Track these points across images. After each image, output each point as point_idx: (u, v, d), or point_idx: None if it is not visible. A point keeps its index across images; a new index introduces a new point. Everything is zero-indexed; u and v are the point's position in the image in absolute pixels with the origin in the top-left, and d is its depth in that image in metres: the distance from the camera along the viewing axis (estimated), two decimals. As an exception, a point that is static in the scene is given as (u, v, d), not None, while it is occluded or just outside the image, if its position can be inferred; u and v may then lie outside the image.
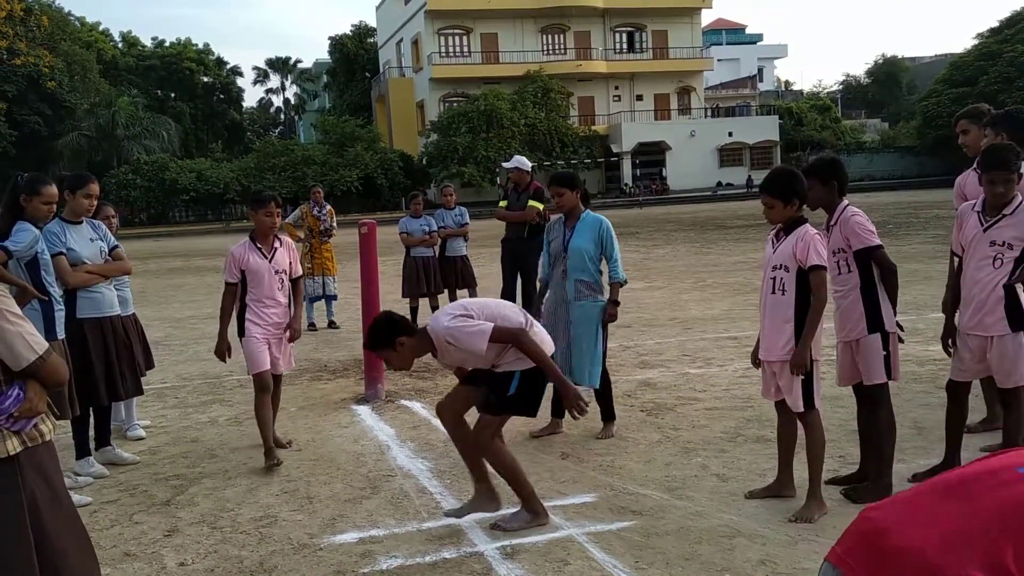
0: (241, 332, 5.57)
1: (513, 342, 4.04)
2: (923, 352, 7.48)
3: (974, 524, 1.52)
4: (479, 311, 4.11)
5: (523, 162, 9.34)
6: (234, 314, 5.62)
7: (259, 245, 5.59)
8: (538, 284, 6.31)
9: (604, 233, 5.76)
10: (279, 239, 5.73)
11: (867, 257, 4.38)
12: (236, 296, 5.58)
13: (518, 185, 9.30)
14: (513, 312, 4.21)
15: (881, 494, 4.45)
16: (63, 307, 4.98)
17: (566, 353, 5.76)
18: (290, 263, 5.77)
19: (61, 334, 4.90)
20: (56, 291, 4.91)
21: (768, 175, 4.45)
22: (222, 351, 5.68)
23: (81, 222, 5.38)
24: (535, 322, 4.29)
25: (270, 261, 5.58)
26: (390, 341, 4.09)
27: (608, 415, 5.87)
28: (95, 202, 5.46)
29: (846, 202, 4.49)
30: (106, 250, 5.49)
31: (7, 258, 4.66)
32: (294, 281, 5.82)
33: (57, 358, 2.73)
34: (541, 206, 9.01)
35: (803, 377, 4.20)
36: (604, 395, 5.86)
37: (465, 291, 10.56)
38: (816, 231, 4.28)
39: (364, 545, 4.17)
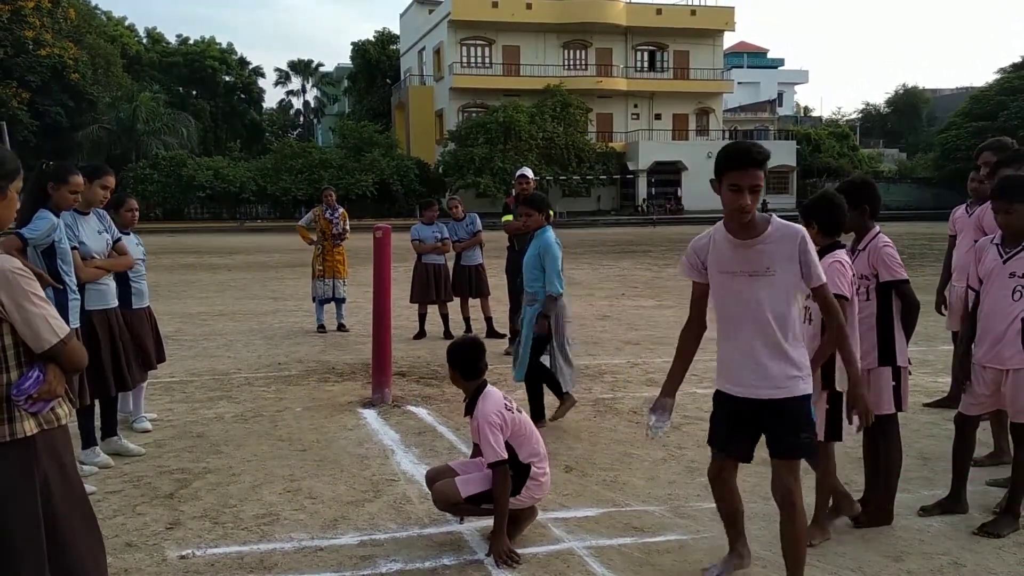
0: None
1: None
2: (932, 383, 7.45)
3: None
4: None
5: (530, 172, 9.56)
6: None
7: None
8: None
9: (542, 247, 6.37)
10: None
11: (890, 290, 4.36)
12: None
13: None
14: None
15: (883, 521, 4.45)
16: (78, 297, 5.00)
17: (515, 352, 6.62)
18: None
19: (75, 323, 4.91)
20: (71, 281, 4.92)
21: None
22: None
23: (88, 213, 5.41)
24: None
25: None
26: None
27: (559, 396, 6.42)
28: (109, 194, 5.49)
29: (878, 228, 4.45)
30: (111, 242, 5.53)
31: (23, 245, 4.66)
32: None
33: (77, 343, 2.76)
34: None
35: (827, 407, 4.14)
36: (533, 387, 6.39)
37: (477, 300, 10.58)
38: (840, 258, 4.10)
39: (365, 548, 4.18)
